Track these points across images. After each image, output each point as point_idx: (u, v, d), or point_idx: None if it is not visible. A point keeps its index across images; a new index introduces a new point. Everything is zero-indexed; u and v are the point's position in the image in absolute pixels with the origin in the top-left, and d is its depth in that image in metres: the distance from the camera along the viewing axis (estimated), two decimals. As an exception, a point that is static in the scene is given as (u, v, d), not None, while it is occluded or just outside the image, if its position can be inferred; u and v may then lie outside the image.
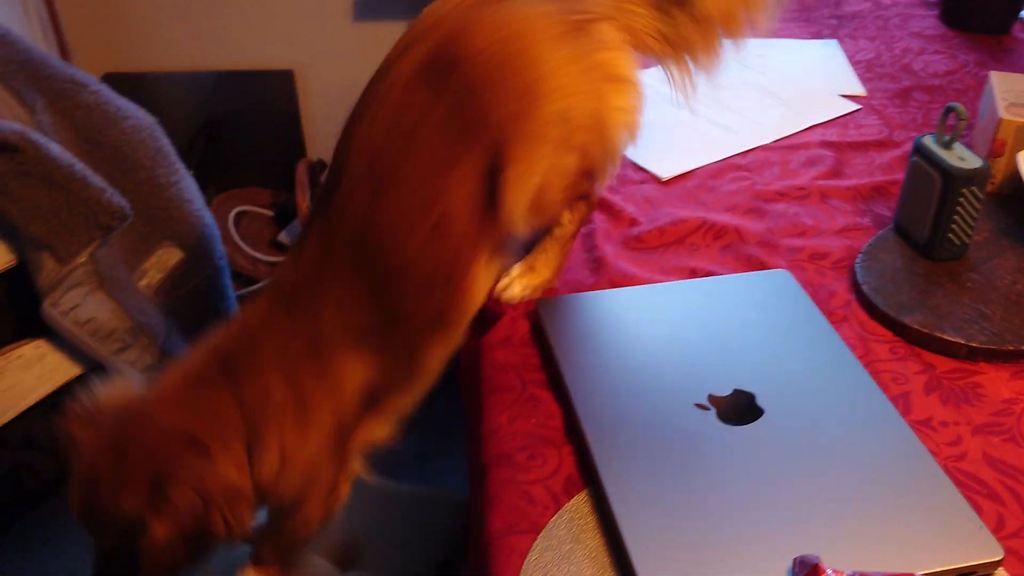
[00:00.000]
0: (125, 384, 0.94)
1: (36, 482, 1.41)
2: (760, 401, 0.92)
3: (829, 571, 0.71)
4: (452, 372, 1.07)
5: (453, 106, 0.91)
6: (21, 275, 1.30)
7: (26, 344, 1.31)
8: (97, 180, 1.25)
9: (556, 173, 0.96)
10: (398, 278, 0.94)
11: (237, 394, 0.91)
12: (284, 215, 2.50)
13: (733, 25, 1.06)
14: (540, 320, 1.06)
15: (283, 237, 2.45)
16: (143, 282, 1.41)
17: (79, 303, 1.30)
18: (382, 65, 0.95)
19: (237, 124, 2.53)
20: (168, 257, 1.43)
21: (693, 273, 1.15)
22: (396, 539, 1.25)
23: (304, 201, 2.12)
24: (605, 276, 1.15)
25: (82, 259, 1.28)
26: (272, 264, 2.34)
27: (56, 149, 1.21)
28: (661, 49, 1.04)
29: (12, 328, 1.33)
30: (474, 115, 0.91)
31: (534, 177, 0.94)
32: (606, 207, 1.27)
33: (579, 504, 0.87)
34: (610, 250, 1.19)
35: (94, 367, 1.39)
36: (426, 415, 1.04)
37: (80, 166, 1.24)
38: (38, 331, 1.32)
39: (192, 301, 1.48)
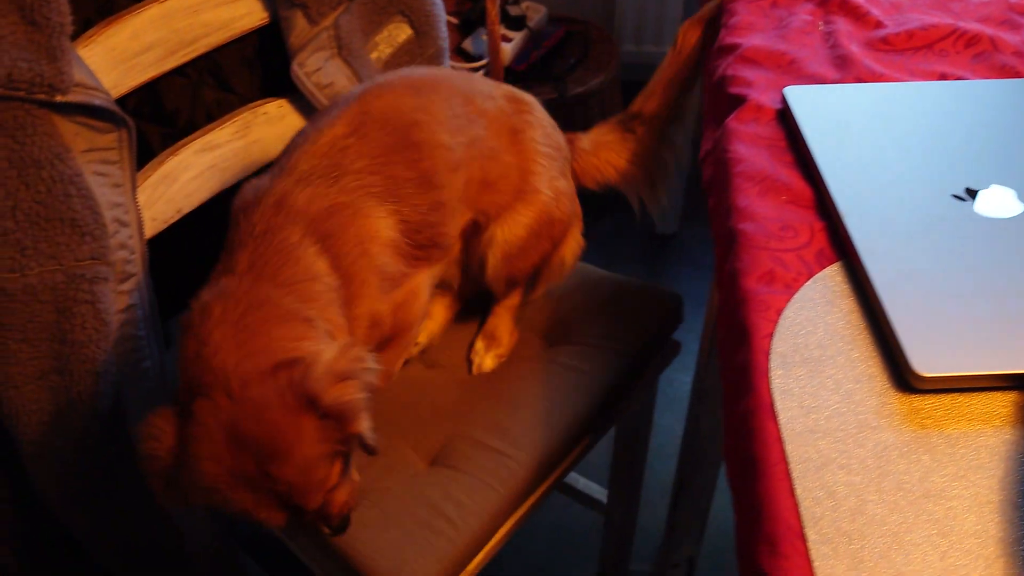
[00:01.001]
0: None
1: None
2: (1020, 197, 0.92)
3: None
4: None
5: None
6: (271, 34, 1.36)
7: (271, 102, 1.39)
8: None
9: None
10: None
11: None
12: (468, 24, 2.51)
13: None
14: (789, 106, 1.07)
15: (467, 44, 2.47)
16: (373, 55, 1.46)
17: (321, 66, 1.36)
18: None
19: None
20: (398, 33, 1.47)
21: (944, 78, 1.13)
22: (602, 320, 1.31)
23: (494, 8, 2.11)
24: (852, 72, 1.14)
25: (328, 22, 1.34)
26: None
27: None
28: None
29: (259, 85, 1.41)
30: None
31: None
32: (850, 9, 1.25)
33: (833, 274, 0.91)
34: (856, 49, 1.18)
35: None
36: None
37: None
38: (282, 91, 1.40)
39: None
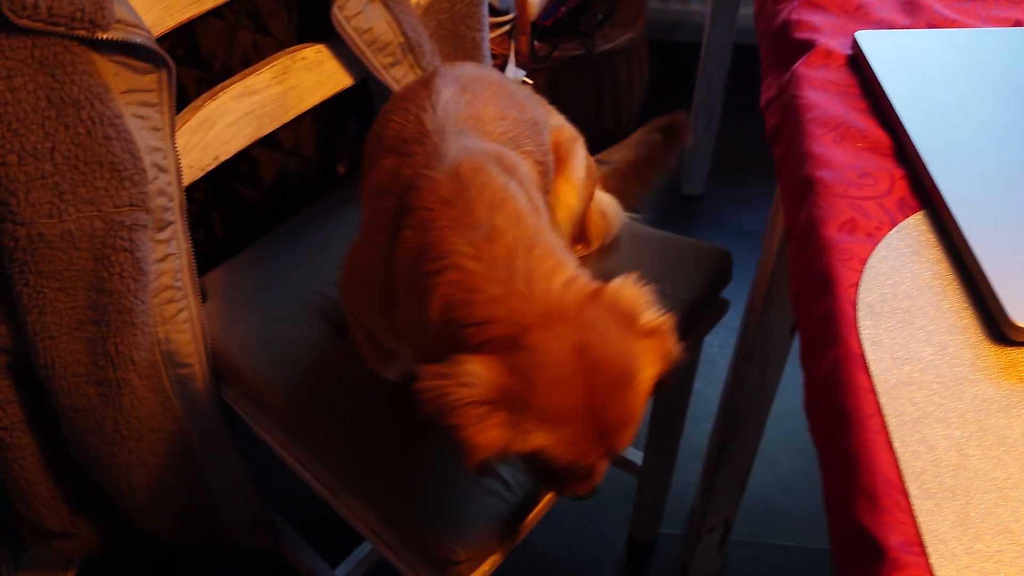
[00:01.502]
0: None
1: (300, 185, 1.49)
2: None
3: None
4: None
5: None
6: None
7: (309, 47, 1.34)
8: None
9: None
10: None
11: None
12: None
13: None
14: (862, 51, 1.02)
15: (491, -3, 2.41)
16: (413, 0, 1.41)
17: (361, 10, 1.31)
18: None
19: None
20: (438, -24, 1.43)
21: (1019, 24, 1.08)
22: (650, 278, 1.26)
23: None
24: (922, 18, 1.10)
25: (370, -36, 1.29)
26: None
27: None
28: None
29: (297, 29, 1.36)
30: None
31: None
32: (915, -47, 1.20)
33: (917, 223, 0.87)
34: (925, -6, 1.13)
35: (363, 80, 1.42)
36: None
37: None
38: (319, 36, 1.35)
39: (453, 23, 1.48)
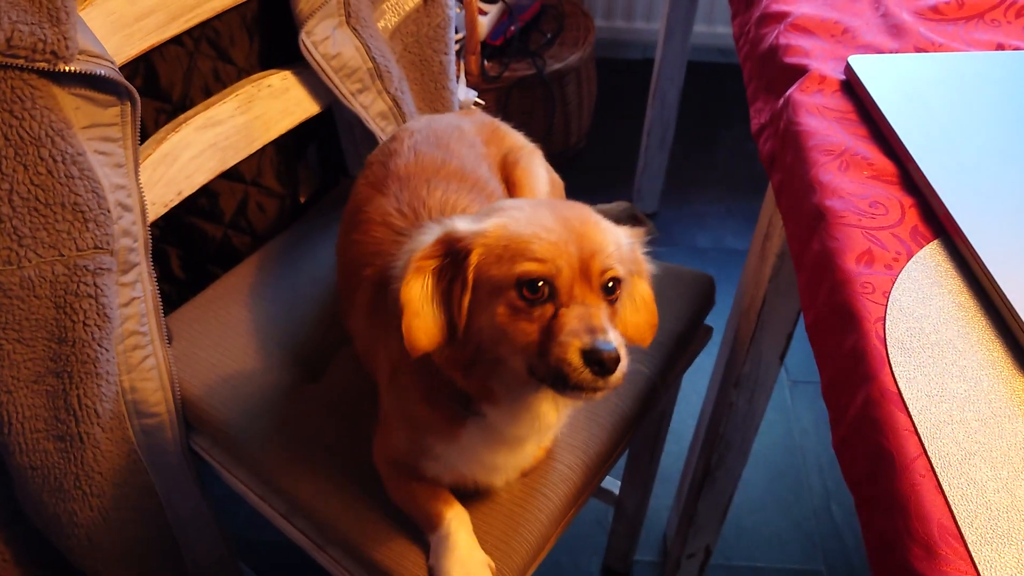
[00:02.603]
0: None
1: (262, 217, 1.42)
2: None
3: None
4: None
5: None
6: (275, 4, 1.26)
7: (274, 74, 1.28)
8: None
9: None
10: None
11: None
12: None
13: None
14: (856, 76, 1.01)
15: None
16: (380, 23, 1.36)
17: (329, 35, 1.26)
18: None
19: None
20: (405, 1, 1.38)
21: (1001, 48, 1.09)
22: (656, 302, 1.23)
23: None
24: (909, 42, 1.09)
25: (338, -12, 1.24)
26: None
27: None
28: None
29: (259, 56, 1.30)
30: None
31: None
32: (894, -24, 1.20)
33: (933, 252, 0.85)
34: (908, 18, 1.13)
35: (329, 108, 1.37)
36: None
37: None
38: (283, 62, 1.29)
39: (420, 46, 1.44)
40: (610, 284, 0.86)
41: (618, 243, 0.88)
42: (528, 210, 0.87)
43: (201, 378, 1.20)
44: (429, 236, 0.88)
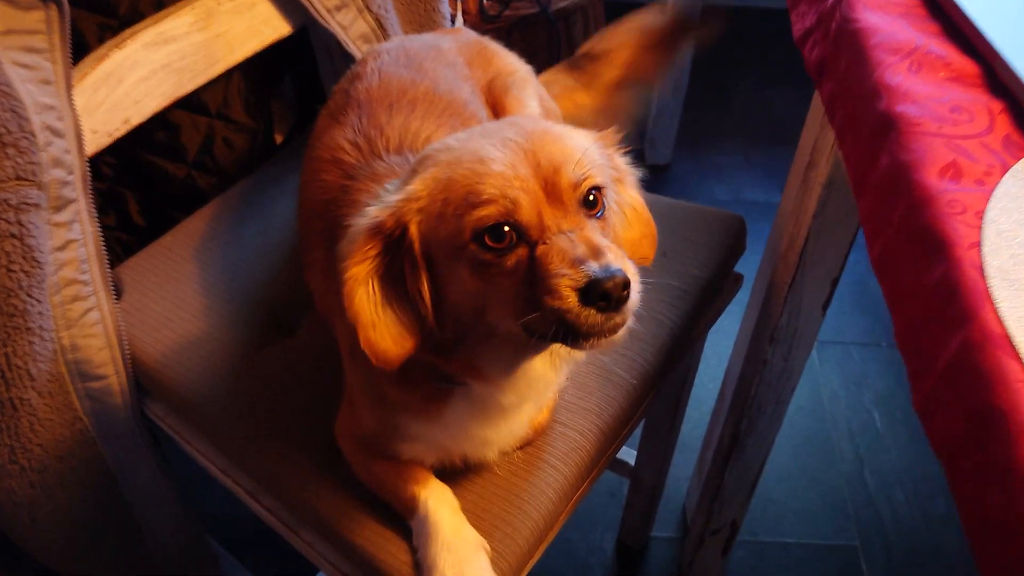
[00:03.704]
0: None
1: (232, 157, 1.25)
2: None
3: None
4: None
5: None
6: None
7: (237, -15, 1.10)
8: None
9: None
10: None
11: None
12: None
13: None
14: (926, -35, 0.84)
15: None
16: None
17: (298, -61, 1.09)
18: None
19: None
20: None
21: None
22: (658, 253, 1.07)
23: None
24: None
25: None
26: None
27: None
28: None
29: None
30: None
31: None
32: None
33: (1033, 165, 0.69)
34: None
35: (304, 30, 1.20)
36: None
37: None
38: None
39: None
40: (590, 197, 0.70)
41: (585, 148, 0.71)
42: (458, 147, 0.71)
43: (155, 335, 1.04)
44: (362, 221, 0.72)
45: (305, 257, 0.96)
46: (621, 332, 0.68)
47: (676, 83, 2.14)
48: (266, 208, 1.17)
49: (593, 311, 0.65)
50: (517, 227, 0.67)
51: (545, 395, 0.86)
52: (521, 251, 0.68)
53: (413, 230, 0.70)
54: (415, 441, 0.86)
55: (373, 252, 0.71)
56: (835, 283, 1.06)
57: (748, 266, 1.22)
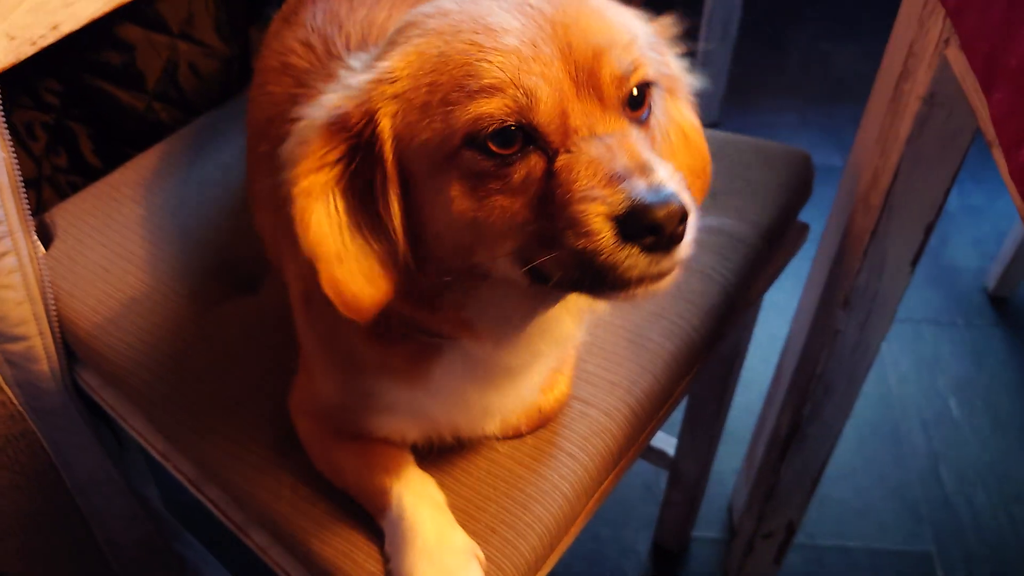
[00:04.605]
0: None
1: (200, 87, 1.07)
2: None
3: None
4: None
5: None
6: None
7: None
8: None
9: None
10: None
11: None
12: None
13: None
14: None
15: None
16: None
17: None
18: None
19: None
20: None
21: None
22: (732, 185, 0.87)
23: None
24: None
25: None
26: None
27: None
28: None
29: None
30: None
31: None
32: None
33: None
34: None
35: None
36: None
37: None
38: None
39: None
40: (635, 93, 0.52)
41: (634, 32, 0.54)
42: (456, 11, 0.53)
43: (89, 290, 0.86)
44: (316, 114, 0.52)
45: (250, 189, 0.77)
46: (667, 281, 0.50)
47: (724, 30, 1.92)
48: (232, 143, 0.98)
49: (636, 250, 0.47)
50: (531, 128, 0.49)
51: (562, 350, 0.66)
52: (535, 161, 0.50)
53: (385, 124, 0.52)
54: (394, 412, 0.67)
55: (333, 156, 0.52)
56: (929, 230, 0.85)
57: (814, 216, 1.01)
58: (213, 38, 1.07)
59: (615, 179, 0.48)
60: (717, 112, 2.09)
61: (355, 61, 0.55)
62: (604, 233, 0.47)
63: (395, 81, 0.51)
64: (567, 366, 0.74)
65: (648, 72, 0.53)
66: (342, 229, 0.52)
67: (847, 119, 2.12)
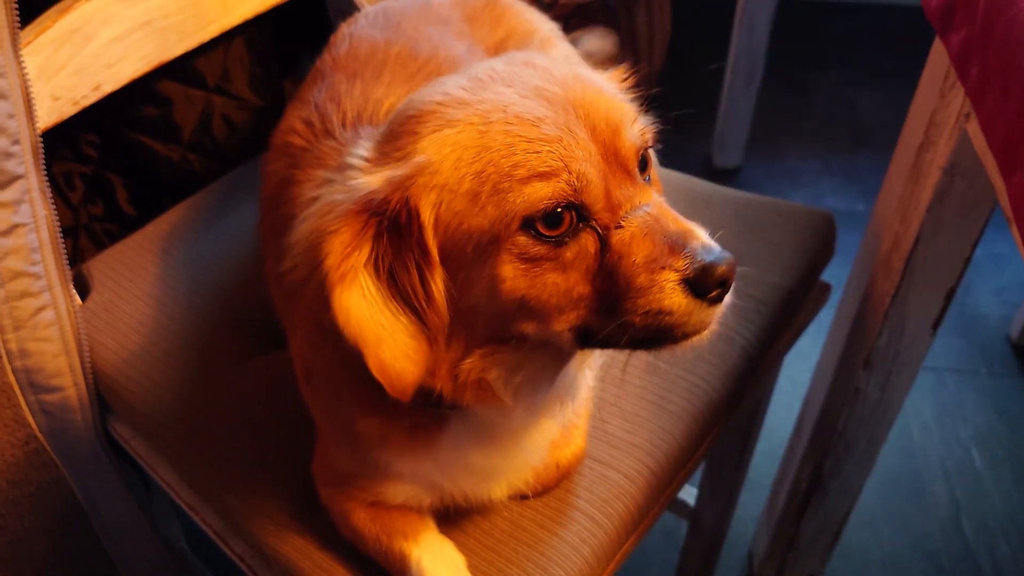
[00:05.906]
0: None
1: (235, 139, 1.09)
2: None
3: None
4: None
5: None
6: None
7: (235, -66, 0.94)
8: None
9: None
10: None
11: None
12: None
13: None
14: None
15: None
16: None
17: None
18: None
19: None
20: None
21: None
22: (731, 251, 0.87)
23: None
24: None
25: None
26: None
27: None
28: None
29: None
30: None
31: None
32: None
33: None
34: None
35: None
36: None
37: None
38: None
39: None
40: (643, 160, 0.57)
41: (625, 100, 0.58)
42: (476, 101, 0.54)
43: (123, 342, 0.88)
44: (342, 197, 0.54)
45: (263, 267, 0.79)
46: (710, 329, 0.54)
47: (749, 72, 1.93)
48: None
49: (704, 305, 0.52)
50: (582, 208, 0.52)
51: (569, 404, 0.67)
52: (586, 238, 0.53)
53: (427, 215, 0.53)
54: (402, 481, 0.68)
55: (365, 240, 0.53)
56: (951, 295, 0.85)
57: (835, 275, 1.02)
58: (247, 92, 1.10)
59: (675, 247, 0.51)
60: (740, 157, 2.10)
61: (361, 149, 0.57)
62: (677, 296, 0.51)
63: (436, 172, 0.52)
64: (581, 419, 0.75)
65: (649, 137, 0.56)
66: (379, 311, 0.54)
67: (870, 165, 2.12)
